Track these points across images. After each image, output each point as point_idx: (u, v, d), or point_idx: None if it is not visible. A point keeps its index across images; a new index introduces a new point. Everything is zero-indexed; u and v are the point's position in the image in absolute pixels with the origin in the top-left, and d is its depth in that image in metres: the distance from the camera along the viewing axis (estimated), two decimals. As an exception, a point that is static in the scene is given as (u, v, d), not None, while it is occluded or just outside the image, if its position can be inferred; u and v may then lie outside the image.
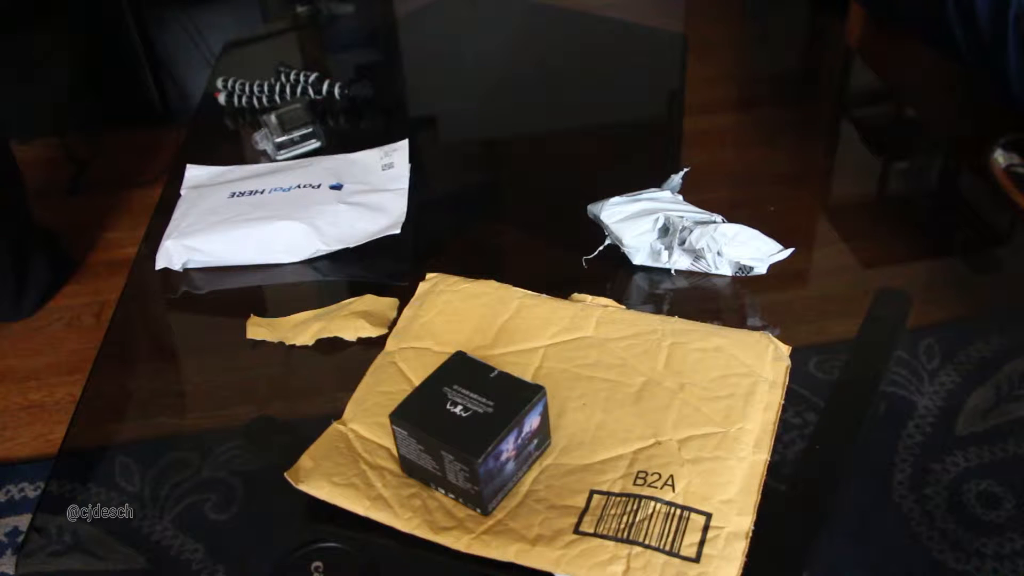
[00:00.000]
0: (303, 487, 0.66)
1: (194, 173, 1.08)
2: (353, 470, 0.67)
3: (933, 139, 1.18)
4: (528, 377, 0.72)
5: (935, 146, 1.17)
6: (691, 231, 0.85)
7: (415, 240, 0.97)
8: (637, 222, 0.87)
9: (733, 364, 0.73)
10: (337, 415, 0.72)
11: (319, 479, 0.66)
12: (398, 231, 0.95)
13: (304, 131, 1.12)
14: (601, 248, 0.89)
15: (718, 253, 0.85)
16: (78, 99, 2.27)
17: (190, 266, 0.94)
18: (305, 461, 0.68)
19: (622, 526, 0.61)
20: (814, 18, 1.59)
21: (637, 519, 0.61)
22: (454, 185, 1.14)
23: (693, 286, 0.87)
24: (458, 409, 0.64)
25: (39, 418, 1.60)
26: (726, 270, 0.86)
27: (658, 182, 0.94)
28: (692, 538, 0.60)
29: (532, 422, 0.65)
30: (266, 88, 1.24)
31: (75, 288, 1.91)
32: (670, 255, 0.86)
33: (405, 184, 1.03)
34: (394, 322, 0.83)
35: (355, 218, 0.96)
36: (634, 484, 0.64)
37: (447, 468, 0.62)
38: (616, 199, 0.89)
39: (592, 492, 0.64)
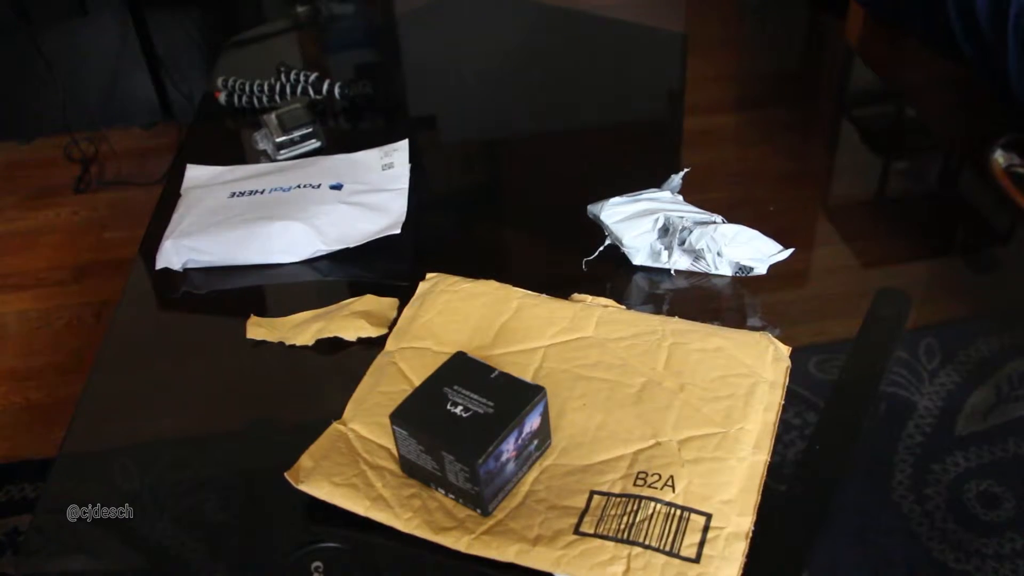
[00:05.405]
0: (303, 487, 0.66)
1: (194, 173, 1.08)
2: (353, 470, 0.67)
3: (933, 139, 1.17)
4: (528, 377, 0.72)
5: (935, 146, 1.17)
6: (691, 231, 0.85)
7: (415, 240, 0.97)
8: (637, 222, 0.87)
9: (733, 364, 0.73)
10: (337, 415, 0.72)
11: (319, 479, 0.66)
12: (398, 231, 0.95)
13: (304, 131, 1.12)
14: (601, 248, 0.89)
15: (718, 253, 0.85)
16: (78, 99, 2.27)
17: (190, 266, 0.94)
18: (305, 461, 0.68)
19: (622, 527, 0.61)
20: (814, 18, 1.58)
21: (637, 520, 0.61)
22: (454, 185, 1.14)
23: (693, 286, 0.87)
24: (458, 409, 0.64)
25: (39, 418, 1.60)
26: (726, 270, 0.86)
27: (658, 182, 0.94)
28: (692, 539, 0.60)
29: (532, 423, 0.65)
30: (266, 88, 1.24)
31: (75, 288, 1.91)
32: (670, 255, 0.86)
33: (405, 184, 1.03)
34: (394, 322, 0.83)
35: (355, 218, 0.96)
36: (634, 485, 0.64)
37: (447, 468, 0.62)
38: (616, 199, 0.89)
39: (592, 493, 0.64)
